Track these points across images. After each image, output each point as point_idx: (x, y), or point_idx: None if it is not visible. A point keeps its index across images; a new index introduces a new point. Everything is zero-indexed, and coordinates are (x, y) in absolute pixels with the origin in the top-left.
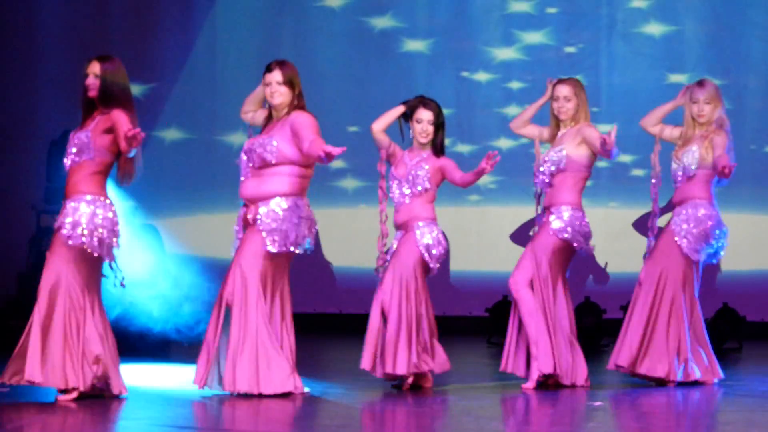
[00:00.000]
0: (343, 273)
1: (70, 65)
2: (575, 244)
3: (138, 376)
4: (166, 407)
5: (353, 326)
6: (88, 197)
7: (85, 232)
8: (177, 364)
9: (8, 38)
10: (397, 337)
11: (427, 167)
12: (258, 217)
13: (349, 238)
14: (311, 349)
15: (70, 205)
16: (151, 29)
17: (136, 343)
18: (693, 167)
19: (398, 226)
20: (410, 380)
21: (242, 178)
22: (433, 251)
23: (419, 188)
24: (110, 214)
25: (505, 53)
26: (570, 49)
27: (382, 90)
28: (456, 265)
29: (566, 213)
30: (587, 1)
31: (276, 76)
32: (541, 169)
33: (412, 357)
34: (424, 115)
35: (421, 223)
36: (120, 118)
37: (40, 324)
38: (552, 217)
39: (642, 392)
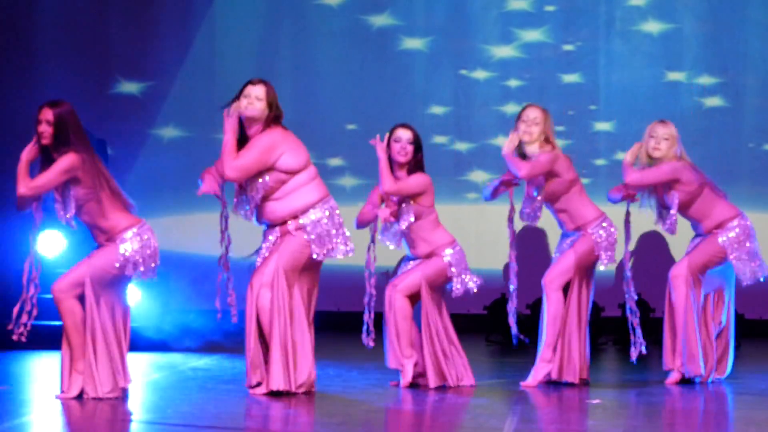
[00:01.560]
0: (341, 271)
1: (68, 64)
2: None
3: (139, 375)
4: (167, 406)
5: (351, 324)
6: (129, 234)
7: (138, 262)
8: (180, 361)
9: (5, 36)
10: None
11: (403, 205)
12: (301, 225)
13: None
14: None
15: (117, 246)
16: (150, 27)
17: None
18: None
19: (420, 256)
20: (409, 378)
21: (254, 221)
22: (461, 272)
23: (406, 228)
24: (153, 240)
25: (503, 51)
26: (568, 47)
27: (381, 88)
28: None
29: (604, 229)
30: None
31: (258, 90)
32: (533, 198)
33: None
34: (403, 134)
35: (449, 251)
36: (58, 163)
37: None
38: (595, 226)
39: (640, 390)
